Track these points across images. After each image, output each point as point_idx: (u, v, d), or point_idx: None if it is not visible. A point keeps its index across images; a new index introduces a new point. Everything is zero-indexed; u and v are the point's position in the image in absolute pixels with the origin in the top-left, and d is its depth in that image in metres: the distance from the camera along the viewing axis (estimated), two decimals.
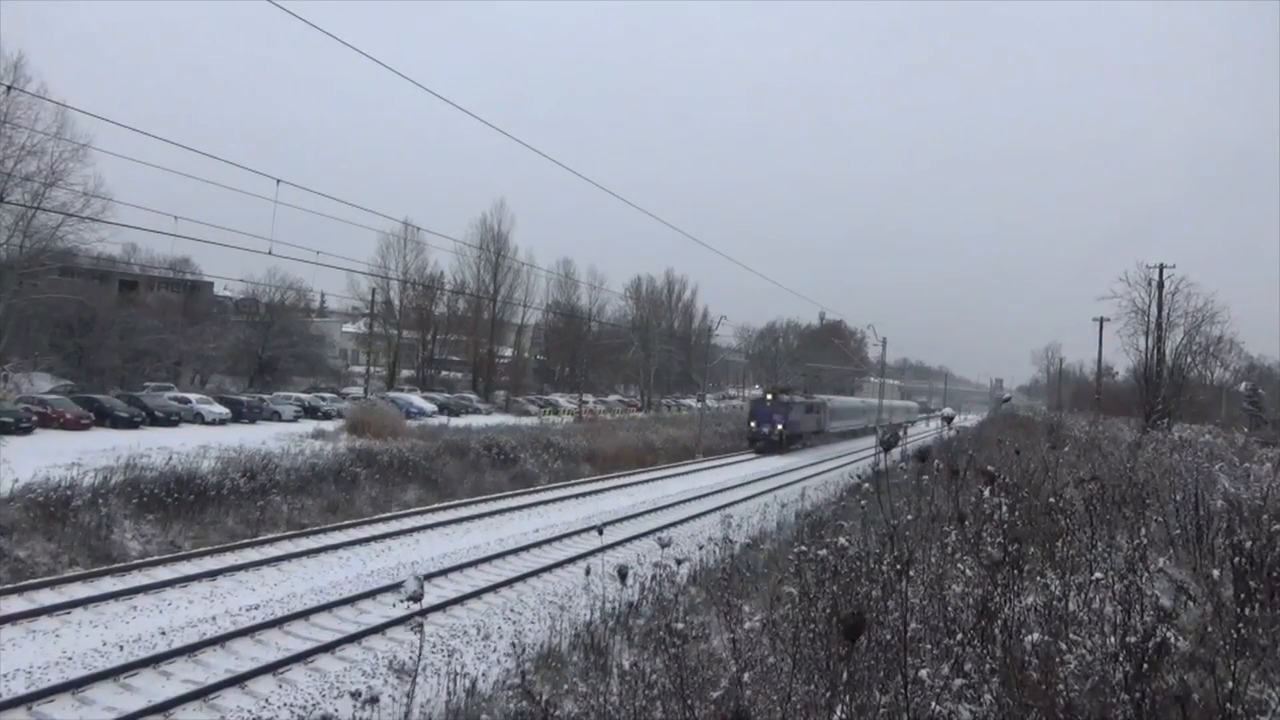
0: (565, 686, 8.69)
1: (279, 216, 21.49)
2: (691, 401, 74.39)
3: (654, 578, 13.93)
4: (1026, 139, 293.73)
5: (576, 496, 29.53)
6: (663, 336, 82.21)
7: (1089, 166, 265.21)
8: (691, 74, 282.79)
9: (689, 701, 4.48)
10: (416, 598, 3.77)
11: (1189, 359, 39.41)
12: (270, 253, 23.70)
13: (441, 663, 11.79)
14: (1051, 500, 7.80)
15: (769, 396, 52.94)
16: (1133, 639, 3.94)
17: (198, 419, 39.77)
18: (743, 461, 45.78)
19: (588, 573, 11.59)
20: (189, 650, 12.29)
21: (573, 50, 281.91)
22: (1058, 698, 3.93)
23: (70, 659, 11.75)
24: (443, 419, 45.16)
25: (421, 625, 4.13)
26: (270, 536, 19.82)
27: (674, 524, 24.01)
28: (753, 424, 51.47)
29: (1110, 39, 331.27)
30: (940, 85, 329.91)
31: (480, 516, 24.40)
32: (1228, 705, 3.64)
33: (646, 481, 34.54)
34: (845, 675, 4.22)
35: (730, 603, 6.07)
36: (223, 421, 40.47)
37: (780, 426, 50.36)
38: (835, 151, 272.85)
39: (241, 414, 42.60)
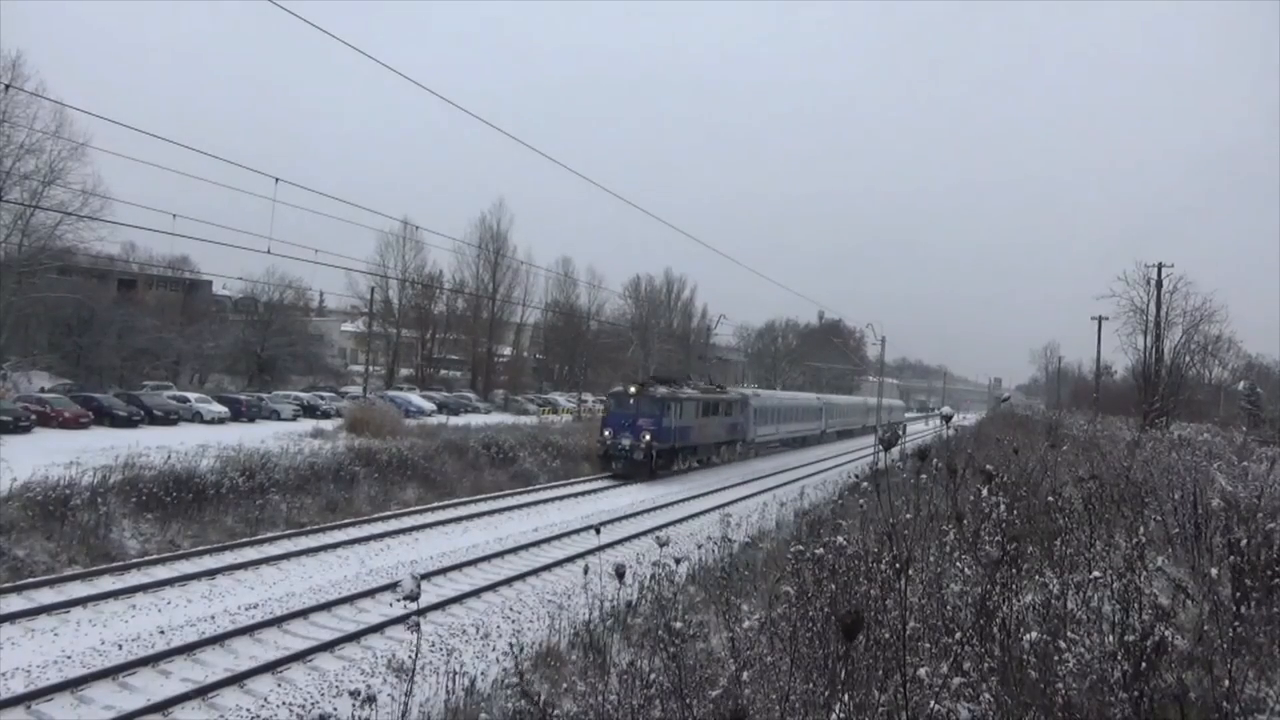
0: (564, 685, 8.70)
1: (278, 215, 21.50)
2: None
3: (652, 576, 13.93)
4: (1028, 140, 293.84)
5: (575, 495, 29.54)
6: (662, 335, 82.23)
7: (1091, 167, 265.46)
8: (692, 75, 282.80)
9: (687, 700, 4.48)
10: (413, 597, 3.78)
11: (1187, 358, 39.51)
12: (269, 251, 23.72)
13: (440, 661, 11.80)
14: (1050, 499, 7.82)
15: (631, 391, 35.66)
16: (1131, 637, 3.95)
17: (196, 418, 39.77)
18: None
19: (586, 572, 11.58)
20: (188, 649, 12.29)
21: (574, 49, 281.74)
22: (1056, 696, 3.94)
23: (69, 658, 11.74)
24: (441, 418, 45.16)
25: (418, 624, 4.14)
26: (269, 535, 19.81)
27: (673, 523, 24.04)
28: (607, 434, 34.56)
29: (1114, 40, 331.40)
30: (942, 87, 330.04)
31: (479, 515, 24.40)
32: (1225, 704, 3.65)
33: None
34: (844, 674, 4.23)
35: (729, 601, 6.08)
36: (221, 420, 40.47)
37: (649, 437, 33.52)
38: (837, 151, 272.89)
39: (240, 413, 42.62)
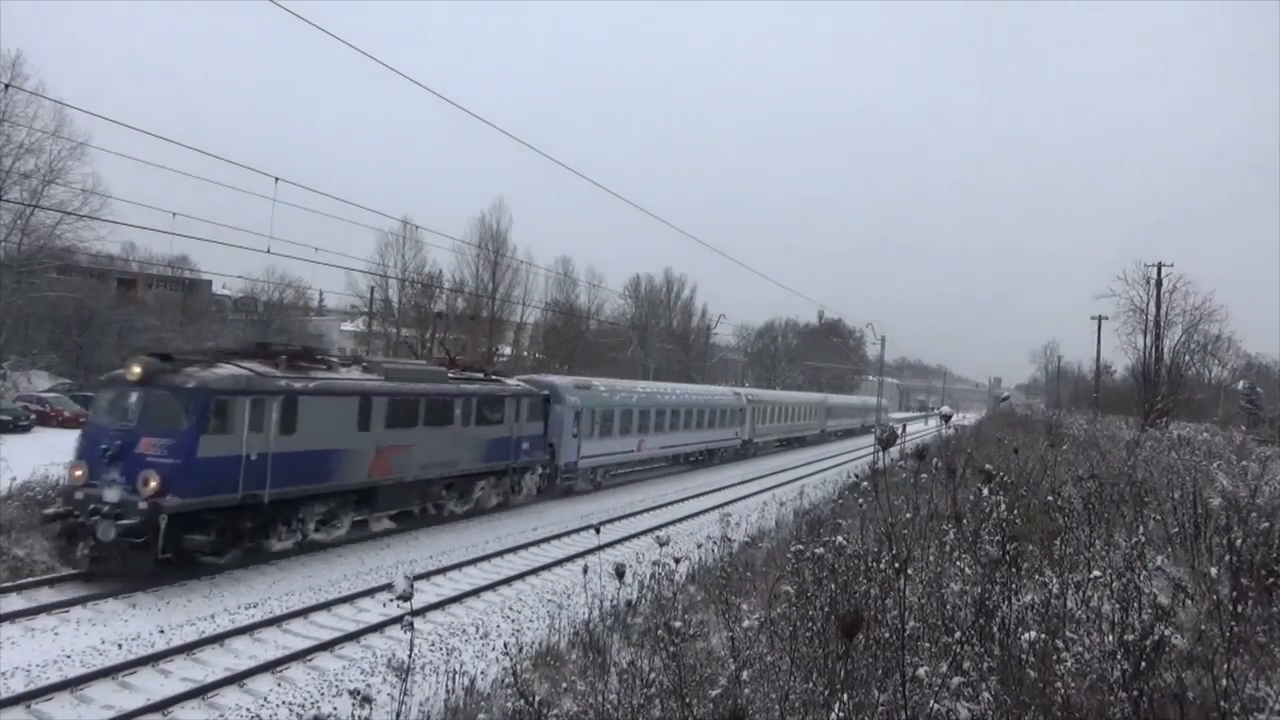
0: (564, 684, 8.70)
1: (277, 214, 21.48)
2: None
3: (652, 576, 13.93)
4: (1031, 142, 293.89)
5: (574, 494, 29.52)
6: (662, 335, 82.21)
7: (1093, 169, 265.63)
8: (694, 76, 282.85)
9: (687, 700, 4.48)
10: (406, 597, 3.79)
11: (1187, 357, 39.59)
12: (269, 251, 23.64)
13: (440, 661, 11.80)
14: (1050, 498, 7.83)
15: (133, 374, 14.65)
16: (1130, 637, 3.95)
17: None
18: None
19: (585, 571, 11.59)
20: (188, 648, 12.27)
21: (575, 48, 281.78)
22: (1056, 695, 3.94)
23: (69, 657, 11.73)
24: None
25: (411, 624, 4.15)
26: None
27: (672, 522, 24.02)
28: (80, 473, 14.62)
29: (1118, 45, 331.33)
30: (947, 90, 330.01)
31: (479, 514, 24.36)
32: (1224, 703, 3.65)
33: None
34: (843, 673, 4.23)
35: (728, 601, 6.08)
36: None
37: (155, 483, 13.77)
38: (838, 153, 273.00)
39: None
